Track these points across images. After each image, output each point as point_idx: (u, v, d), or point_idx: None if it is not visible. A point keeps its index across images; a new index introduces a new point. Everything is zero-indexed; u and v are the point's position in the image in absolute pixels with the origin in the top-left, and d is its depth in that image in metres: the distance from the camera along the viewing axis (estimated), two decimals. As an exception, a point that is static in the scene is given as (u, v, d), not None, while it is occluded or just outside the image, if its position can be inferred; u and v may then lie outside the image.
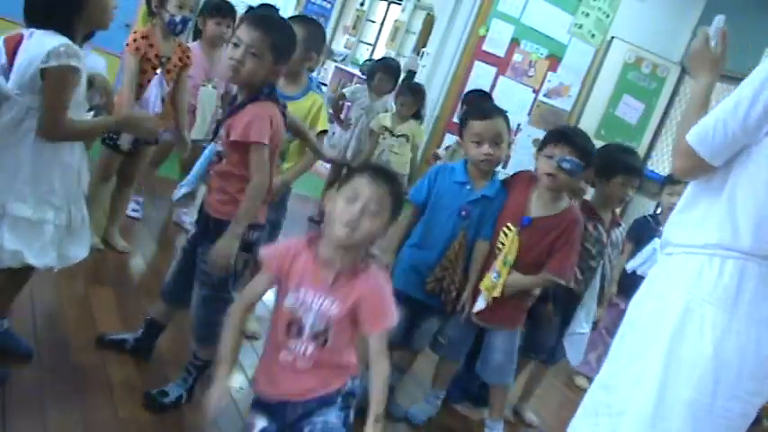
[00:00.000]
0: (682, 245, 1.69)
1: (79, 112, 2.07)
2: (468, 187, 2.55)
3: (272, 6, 4.56)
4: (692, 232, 1.67)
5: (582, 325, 2.80)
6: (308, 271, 1.69)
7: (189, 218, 4.04)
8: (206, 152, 2.36)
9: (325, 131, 2.88)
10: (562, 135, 2.51)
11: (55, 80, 1.91)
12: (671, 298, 1.66)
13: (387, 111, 4.81)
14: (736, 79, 6.25)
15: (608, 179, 2.78)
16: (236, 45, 2.12)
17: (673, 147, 1.72)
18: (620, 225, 2.95)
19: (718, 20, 1.82)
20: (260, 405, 1.76)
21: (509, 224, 2.52)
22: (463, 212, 2.53)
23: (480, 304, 2.53)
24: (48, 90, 1.92)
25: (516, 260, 2.50)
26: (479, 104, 2.93)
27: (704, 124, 1.63)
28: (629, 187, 2.81)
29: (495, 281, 2.50)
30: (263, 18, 2.16)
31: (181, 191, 2.38)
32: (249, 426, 1.75)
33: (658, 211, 4.10)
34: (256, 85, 2.17)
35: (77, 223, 2.13)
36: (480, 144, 2.52)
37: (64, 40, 1.92)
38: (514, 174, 2.70)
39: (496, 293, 2.50)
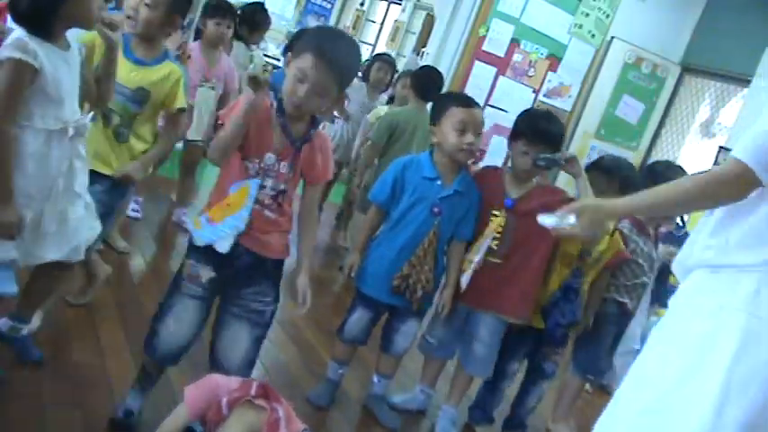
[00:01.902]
0: (732, 265, 1.57)
1: (54, 110, 1.96)
2: (438, 183, 2.48)
3: (260, 4, 4.56)
4: (741, 252, 1.56)
5: (636, 342, 2.77)
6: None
7: (190, 219, 4.03)
8: (252, 191, 1.98)
9: (183, 110, 2.66)
10: (536, 134, 2.48)
11: (5, 69, 1.84)
12: (726, 318, 1.55)
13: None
14: (735, 79, 6.30)
15: None
16: (300, 81, 1.90)
17: (714, 180, 1.56)
18: (658, 243, 2.95)
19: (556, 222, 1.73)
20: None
21: (494, 211, 2.51)
22: (435, 209, 2.46)
23: (465, 280, 2.52)
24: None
25: (510, 241, 2.49)
26: (458, 94, 2.87)
27: (754, 144, 1.50)
28: None
29: (468, 258, 2.51)
30: (339, 56, 1.92)
31: (227, 238, 1.97)
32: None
33: None
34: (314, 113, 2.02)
35: (51, 222, 2.02)
36: (464, 132, 2.42)
37: (20, 34, 1.85)
38: (481, 170, 2.69)
39: (467, 268, 2.49)
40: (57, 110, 1.97)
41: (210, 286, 2.00)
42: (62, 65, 1.96)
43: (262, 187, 1.96)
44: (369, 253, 2.56)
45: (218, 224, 1.96)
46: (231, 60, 4.22)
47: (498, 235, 2.51)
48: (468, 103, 2.51)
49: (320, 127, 2.05)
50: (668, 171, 2.80)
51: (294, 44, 1.97)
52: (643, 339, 3.00)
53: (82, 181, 2.12)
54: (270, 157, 1.97)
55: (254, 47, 4.49)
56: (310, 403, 2.58)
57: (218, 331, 2.05)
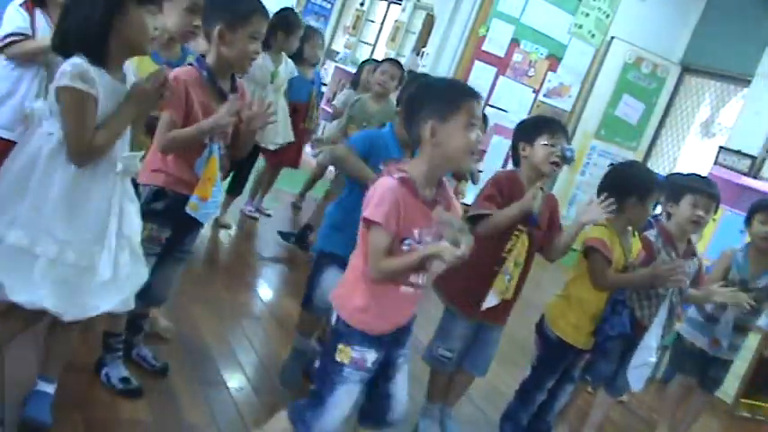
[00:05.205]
0: None
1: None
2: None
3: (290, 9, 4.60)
4: None
5: (651, 354, 2.71)
6: (417, 214, 1.81)
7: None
8: (217, 158, 2.18)
9: None
10: (557, 126, 2.49)
11: (66, 100, 1.76)
12: None
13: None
14: (735, 79, 6.26)
15: (677, 202, 2.72)
16: (255, 39, 2.17)
17: None
18: (695, 255, 2.84)
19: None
20: (367, 339, 1.83)
21: (519, 226, 2.42)
22: None
23: (491, 301, 2.45)
24: (63, 111, 1.77)
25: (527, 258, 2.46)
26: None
27: None
28: (699, 207, 2.69)
29: (507, 283, 2.45)
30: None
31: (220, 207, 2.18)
32: (360, 361, 1.82)
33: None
34: None
35: (106, 268, 1.84)
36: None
37: (77, 60, 1.76)
38: (502, 175, 2.59)
39: (508, 296, 2.47)
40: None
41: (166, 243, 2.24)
42: (113, 98, 1.84)
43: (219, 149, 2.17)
44: (330, 220, 2.54)
45: (210, 200, 2.19)
46: None
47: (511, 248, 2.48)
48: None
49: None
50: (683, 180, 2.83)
51: (228, 12, 2.14)
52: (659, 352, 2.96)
53: (132, 224, 1.95)
54: None
55: None
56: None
57: (161, 271, 2.26)
